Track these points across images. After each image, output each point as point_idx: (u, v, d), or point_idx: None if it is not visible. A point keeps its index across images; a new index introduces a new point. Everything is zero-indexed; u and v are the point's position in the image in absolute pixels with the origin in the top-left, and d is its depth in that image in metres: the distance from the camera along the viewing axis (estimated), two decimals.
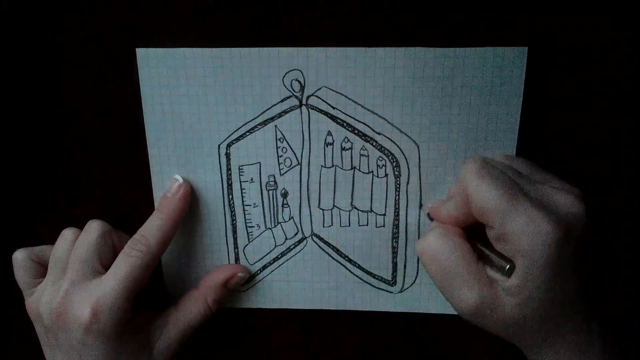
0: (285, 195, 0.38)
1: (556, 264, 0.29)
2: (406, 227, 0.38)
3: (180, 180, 0.37)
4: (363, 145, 0.36)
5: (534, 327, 0.31)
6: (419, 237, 0.38)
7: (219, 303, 0.38)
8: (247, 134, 0.37)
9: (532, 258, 0.29)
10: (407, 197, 0.37)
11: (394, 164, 0.37)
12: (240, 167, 0.37)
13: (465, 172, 0.31)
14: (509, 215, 0.29)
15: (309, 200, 0.38)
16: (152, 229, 0.36)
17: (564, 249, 0.29)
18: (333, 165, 0.37)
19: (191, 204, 0.38)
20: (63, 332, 0.34)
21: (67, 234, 0.37)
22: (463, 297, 0.31)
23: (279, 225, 0.39)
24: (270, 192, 0.38)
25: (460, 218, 0.33)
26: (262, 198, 0.38)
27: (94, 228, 0.36)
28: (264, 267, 0.40)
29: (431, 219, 0.36)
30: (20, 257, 0.37)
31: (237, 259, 0.40)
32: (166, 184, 0.37)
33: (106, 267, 0.35)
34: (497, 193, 0.29)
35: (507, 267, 0.30)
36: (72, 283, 0.34)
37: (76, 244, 0.36)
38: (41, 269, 0.37)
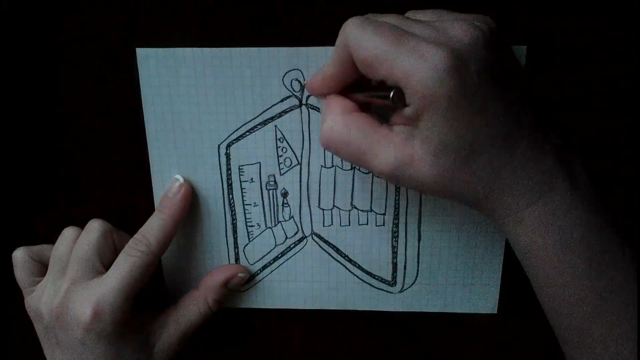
0: (285, 194, 0.38)
1: (460, 95, 0.26)
2: (406, 227, 0.38)
3: (181, 180, 0.37)
4: None
5: (466, 176, 0.27)
6: (419, 238, 0.38)
7: (220, 303, 0.38)
8: (247, 133, 0.37)
9: (428, 94, 0.26)
10: (407, 196, 0.37)
11: None
12: (241, 167, 0.37)
13: (345, 26, 0.28)
14: (396, 56, 0.26)
15: (309, 200, 0.38)
16: (152, 229, 0.36)
17: (463, 77, 0.26)
18: (333, 165, 0.37)
19: (191, 204, 0.38)
20: (63, 331, 0.34)
21: (68, 233, 0.37)
22: (381, 164, 0.28)
23: (279, 224, 0.39)
24: (270, 191, 0.38)
25: (339, 77, 0.30)
26: (262, 197, 0.38)
27: (95, 227, 0.36)
28: (264, 267, 0.40)
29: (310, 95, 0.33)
30: (20, 255, 0.37)
31: (237, 259, 0.40)
32: (166, 184, 0.37)
33: (107, 267, 0.35)
34: (382, 39, 0.26)
35: (392, 93, 0.27)
36: (73, 282, 0.34)
37: (77, 243, 0.36)
38: (41, 267, 0.37)
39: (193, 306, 0.38)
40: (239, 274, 0.39)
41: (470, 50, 0.26)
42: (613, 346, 0.29)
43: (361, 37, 0.27)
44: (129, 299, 0.34)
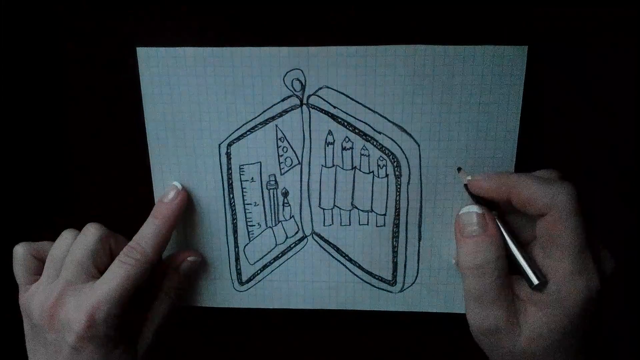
0: (285, 194, 0.38)
1: (580, 315, 0.30)
2: (406, 227, 0.38)
3: (179, 187, 0.37)
4: (364, 145, 0.36)
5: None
6: (419, 238, 0.38)
7: (180, 290, 0.38)
8: (247, 133, 0.37)
9: (566, 305, 0.30)
10: (407, 197, 0.37)
11: (395, 164, 0.37)
12: (241, 167, 0.37)
13: (566, 200, 0.31)
14: (566, 265, 0.30)
15: (309, 200, 0.38)
16: (147, 236, 0.36)
17: (593, 304, 0.30)
18: (334, 165, 0.37)
19: (192, 203, 0.38)
20: (53, 333, 0.34)
21: (66, 235, 0.37)
22: (485, 316, 0.32)
23: (280, 223, 0.39)
24: (271, 191, 0.38)
25: (500, 195, 0.32)
26: (262, 197, 0.38)
27: (91, 232, 0.36)
28: (265, 267, 0.40)
29: (467, 190, 0.35)
30: (20, 251, 0.37)
31: (237, 258, 0.40)
32: (167, 183, 0.37)
33: (101, 271, 0.36)
34: (580, 238, 0.30)
35: (537, 282, 0.31)
36: (66, 285, 0.35)
37: (73, 246, 0.36)
38: (40, 265, 0.37)
39: (156, 301, 0.38)
40: (188, 258, 0.38)
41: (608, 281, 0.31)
42: None
43: (570, 222, 0.31)
44: (123, 306, 0.34)
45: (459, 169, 0.36)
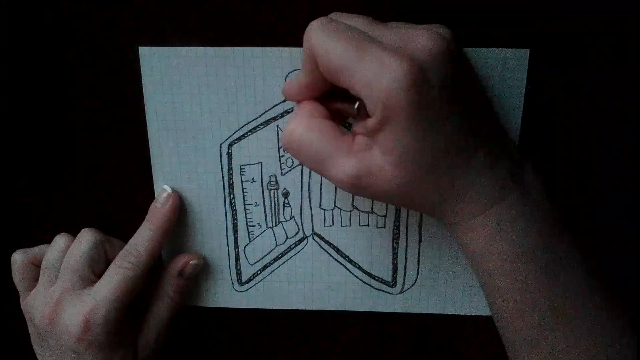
0: (286, 195, 0.38)
1: (422, 107, 0.25)
2: (407, 228, 0.38)
3: (169, 190, 0.37)
4: None
5: (425, 185, 0.28)
6: (420, 239, 0.38)
7: (180, 294, 0.39)
8: (249, 133, 0.37)
9: (388, 105, 0.25)
10: None
11: None
12: (242, 167, 0.37)
13: (308, 31, 0.27)
14: (358, 65, 0.25)
15: (310, 200, 0.38)
16: (142, 240, 0.36)
17: (426, 89, 0.25)
18: None
19: (192, 203, 0.38)
20: (54, 339, 0.35)
21: (59, 240, 0.37)
22: (340, 172, 0.28)
23: (280, 224, 0.39)
24: (272, 191, 0.38)
25: (311, 85, 0.29)
26: (263, 197, 0.38)
27: (86, 238, 0.36)
28: (265, 267, 0.40)
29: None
30: (18, 259, 0.37)
31: (237, 258, 0.40)
32: (167, 184, 0.38)
33: (98, 276, 0.36)
34: (344, 46, 0.26)
35: (357, 104, 0.27)
36: (64, 291, 0.35)
37: (68, 252, 0.36)
38: (38, 271, 0.37)
39: (157, 303, 0.38)
40: (191, 262, 0.38)
41: (434, 61, 0.26)
42: (564, 354, 0.29)
43: (324, 45, 0.26)
44: (121, 310, 0.35)
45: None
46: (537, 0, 0.33)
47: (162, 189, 0.37)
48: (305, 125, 0.29)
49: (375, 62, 0.25)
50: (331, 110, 0.30)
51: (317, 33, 0.27)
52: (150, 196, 0.38)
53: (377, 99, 0.25)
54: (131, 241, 0.36)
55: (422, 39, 0.26)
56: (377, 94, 0.25)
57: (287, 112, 0.36)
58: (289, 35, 0.35)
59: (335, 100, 0.30)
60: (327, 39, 0.26)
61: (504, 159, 0.28)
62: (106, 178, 0.39)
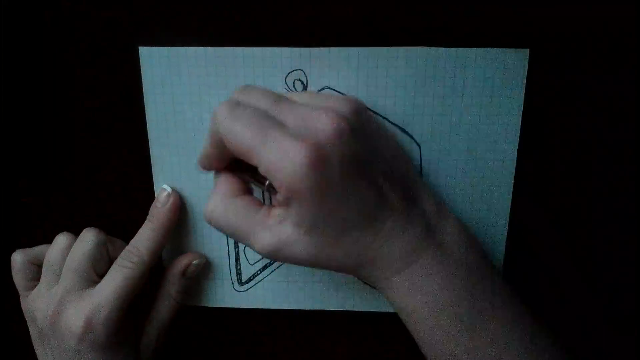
0: None
1: (322, 187, 0.27)
2: None
3: (169, 189, 0.37)
4: None
5: (338, 252, 0.29)
6: None
7: (183, 294, 0.39)
8: None
9: (292, 188, 0.27)
10: None
11: None
12: None
13: (216, 115, 0.28)
14: (262, 151, 0.27)
15: None
16: (143, 239, 0.36)
17: (326, 170, 0.27)
18: None
19: (192, 203, 0.38)
20: (56, 339, 0.35)
21: (60, 240, 0.37)
22: (259, 245, 0.30)
23: None
24: (272, 192, 0.38)
25: (220, 157, 0.31)
26: (263, 198, 0.38)
27: (88, 238, 0.36)
28: (264, 267, 0.40)
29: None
30: (18, 259, 0.37)
31: (237, 258, 0.40)
32: (168, 183, 0.38)
33: (101, 276, 0.36)
34: (249, 133, 0.27)
35: (266, 183, 0.30)
36: (67, 291, 0.35)
37: (71, 252, 0.36)
38: (38, 271, 0.38)
39: (160, 303, 0.38)
40: (194, 262, 0.39)
41: (333, 142, 0.27)
42: None
43: (230, 130, 0.28)
44: (123, 310, 0.35)
45: None
46: (537, 0, 0.33)
47: (162, 189, 0.37)
48: (222, 207, 0.31)
49: (277, 149, 0.27)
50: (246, 180, 0.32)
51: (224, 119, 0.28)
52: (150, 196, 0.38)
53: (281, 182, 0.27)
54: (132, 241, 0.36)
55: (321, 121, 0.27)
56: (280, 178, 0.27)
57: None
58: (289, 35, 0.35)
59: (249, 173, 0.31)
60: (233, 125, 0.28)
61: (416, 222, 0.30)
62: (106, 178, 0.39)
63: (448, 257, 0.30)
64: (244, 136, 0.27)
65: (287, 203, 0.28)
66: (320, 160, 0.26)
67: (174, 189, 0.38)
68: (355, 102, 0.30)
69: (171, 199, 0.37)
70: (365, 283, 0.39)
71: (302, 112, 0.28)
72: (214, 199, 0.31)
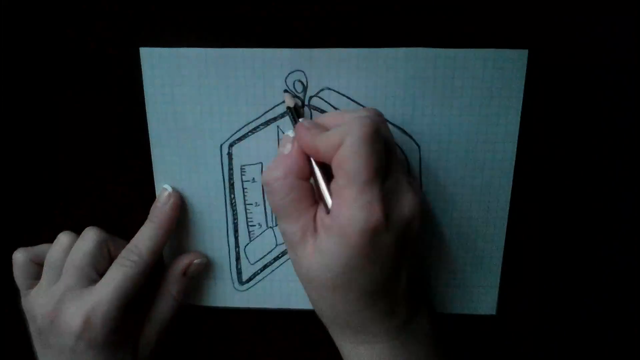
0: None
1: (362, 247, 0.28)
2: None
3: (170, 189, 0.38)
4: None
5: (338, 307, 0.31)
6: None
7: (184, 293, 0.39)
8: (249, 134, 0.37)
9: (346, 233, 0.28)
10: None
11: None
12: (242, 167, 0.38)
13: (356, 129, 0.29)
14: (350, 193, 0.28)
15: None
16: (144, 238, 0.36)
17: (377, 240, 0.29)
18: None
19: (193, 203, 0.38)
20: (54, 337, 0.35)
21: (62, 238, 0.37)
22: (288, 229, 0.31)
23: None
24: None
25: (319, 153, 0.30)
26: (263, 197, 0.38)
27: (90, 237, 0.36)
28: (265, 267, 0.40)
29: (290, 113, 0.35)
30: (20, 258, 0.37)
31: (237, 258, 0.40)
32: (168, 183, 0.38)
33: (101, 274, 0.36)
34: (367, 169, 0.28)
35: (330, 207, 0.30)
36: (67, 289, 0.35)
37: (72, 250, 0.36)
38: (39, 269, 0.38)
39: (160, 302, 0.38)
40: (195, 261, 0.39)
41: (403, 218, 0.30)
42: None
43: (358, 154, 0.28)
44: (122, 308, 0.35)
45: (285, 91, 0.35)
46: (537, 0, 0.33)
47: (163, 189, 0.38)
48: (286, 178, 0.31)
49: (362, 199, 0.28)
50: (315, 178, 0.32)
51: (362, 141, 0.28)
52: (151, 196, 0.38)
53: (343, 226, 0.29)
54: (133, 240, 0.37)
55: (406, 198, 0.30)
56: (345, 224, 0.29)
57: None
58: (289, 36, 0.35)
59: (325, 178, 0.31)
60: (363, 152, 0.28)
61: (402, 306, 0.32)
62: (107, 178, 0.39)
63: (418, 342, 0.33)
64: (362, 166, 0.28)
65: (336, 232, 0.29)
66: (385, 228, 0.29)
67: (174, 189, 0.38)
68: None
69: (172, 199, 0.37)
70: None
71: (399, 180, 0.31)
72: (282, 167, 0.31)
